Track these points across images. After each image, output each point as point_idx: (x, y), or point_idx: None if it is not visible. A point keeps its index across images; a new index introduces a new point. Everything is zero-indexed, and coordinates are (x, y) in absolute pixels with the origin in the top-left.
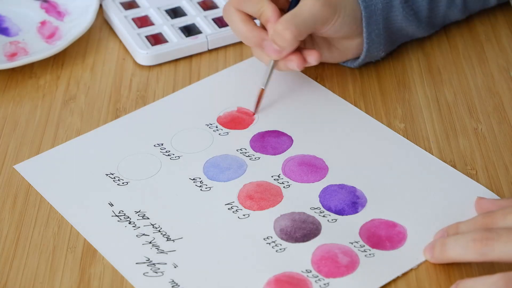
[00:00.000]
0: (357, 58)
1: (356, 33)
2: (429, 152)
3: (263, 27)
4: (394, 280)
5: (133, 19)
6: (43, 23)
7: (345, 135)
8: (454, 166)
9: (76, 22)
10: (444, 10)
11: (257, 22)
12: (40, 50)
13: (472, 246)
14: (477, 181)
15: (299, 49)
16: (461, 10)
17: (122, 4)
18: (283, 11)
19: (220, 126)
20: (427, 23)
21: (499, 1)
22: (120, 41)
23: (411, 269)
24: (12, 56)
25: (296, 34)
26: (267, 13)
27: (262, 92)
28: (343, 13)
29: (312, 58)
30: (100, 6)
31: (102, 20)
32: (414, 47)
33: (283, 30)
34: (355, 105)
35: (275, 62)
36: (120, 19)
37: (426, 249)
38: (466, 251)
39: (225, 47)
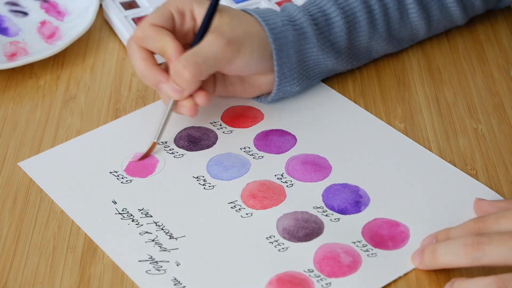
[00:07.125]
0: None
1: (268, 68)
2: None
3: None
4: (395, 280)
5: (133, 19)
6: (43, 23)
7: (349, 134)
8: (454, 166)
9: (76, 22)
10: (367, 41)
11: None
12: (40, 50)
13: (463, 251)
14: (477, 181)
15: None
16: (386, 39)
17: (122, 4)
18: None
19: (224, 124)
20: (348, 55)
21: (429, 35)
22: (120, 41)
23: (413, 269)
24: (12, 56)
25: (195, 73)
26: (168, 50)
27: (154, 145)
28: (250, 50)
29: (200, 99)
30: (100, 6)
31: (102, 20)
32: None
33: (182, 69)
34: None
35: (175, 103)
36: (120, 19)
37: (415, 256)
38: (458, 257)
39: None
